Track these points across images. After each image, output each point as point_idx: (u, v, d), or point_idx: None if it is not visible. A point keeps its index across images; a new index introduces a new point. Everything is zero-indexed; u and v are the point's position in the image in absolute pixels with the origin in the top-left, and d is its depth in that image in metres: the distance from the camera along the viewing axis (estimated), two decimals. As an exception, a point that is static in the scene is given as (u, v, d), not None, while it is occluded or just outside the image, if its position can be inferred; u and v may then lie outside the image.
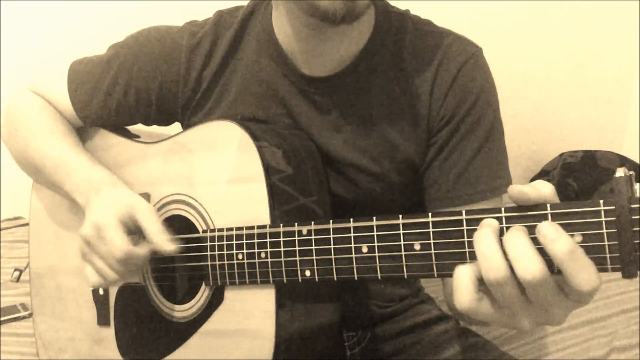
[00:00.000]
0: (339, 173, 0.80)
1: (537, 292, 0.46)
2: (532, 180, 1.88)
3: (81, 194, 0.79)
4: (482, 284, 0.49)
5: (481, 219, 0.49)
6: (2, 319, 1.19)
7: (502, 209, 0.48)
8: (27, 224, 0.99)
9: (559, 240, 0.44)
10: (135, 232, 0.74)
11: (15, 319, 1.19)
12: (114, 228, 0.71)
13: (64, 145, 0.84)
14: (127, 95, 0.85)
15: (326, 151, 0.79)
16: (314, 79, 0.78)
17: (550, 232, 0.45)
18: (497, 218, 0.48)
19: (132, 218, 0.73)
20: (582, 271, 0.44)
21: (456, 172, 0.76)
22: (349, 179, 0.80)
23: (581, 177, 1.75)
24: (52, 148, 0.84)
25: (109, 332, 0.84)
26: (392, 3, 0.83)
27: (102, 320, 0.86)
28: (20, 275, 1.30)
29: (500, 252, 0.46)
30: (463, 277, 0.48)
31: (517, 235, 0.46)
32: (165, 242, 0.70)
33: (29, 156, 0.87)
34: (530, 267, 0.45)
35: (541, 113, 1.87)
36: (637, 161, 1.80)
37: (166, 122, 0.90)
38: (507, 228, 0.48)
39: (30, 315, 1.15)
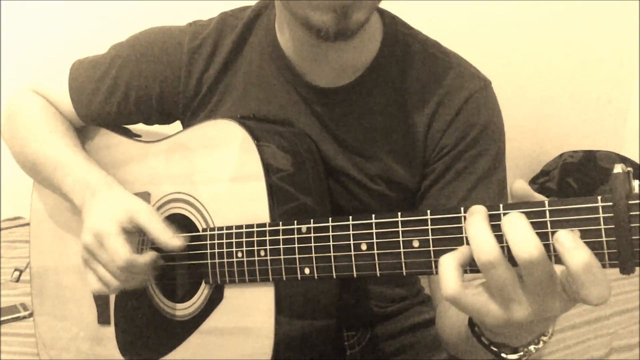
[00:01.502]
0: (336, 182, 0.80)
1: (533, 274, 0.45)
2: (532, 180, 1.88)
3: (77, 195, 0.79)
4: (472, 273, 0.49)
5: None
6: (2, 319, 1.19)
7: (501, 206, 0.48)
8: (27, 224, 1.00)
9: (576, 250, 0.43)
10: (136, 234, 0.74)
11: (15, 319, 1.20)
12: (115, 236, 0.71)
13: (62, 145, 0.84)
14: (128, 95, 0.85)
15: (325, 159, 0.79)
16: (316, 88, 0.78)
17: (568, 240, 0.43)
18: (495, 215, 0.48)
19: (133, 221, 0.72)
20: (595, 286, 0.43)
21: (451, 205, 0.75)
22: (346, 189, 0.80)
23: (581, 177, 1.75)
24: (50, 148, 0.84)
25: (109, 331, 0.85)
26: (395, 4, 0.82)
27: (103, 319, 0.86)
28: (20, 275, 1.30)
29: (491, 234, 0.46)
30: (447, 263, 0.47)
31: (515, 217, 0.45)
32: (171, 239, 0.70)
33: (27, 155, 0.87)
34: (528, 246, 0.44)
35: (541, 113, 1.87)
36: (637, 161, 1.80)
37: (167, 122, 0.90)
38: (506, 225, 0.48)
39: (30, 315, 1.15)
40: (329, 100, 0.78)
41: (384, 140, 0.78)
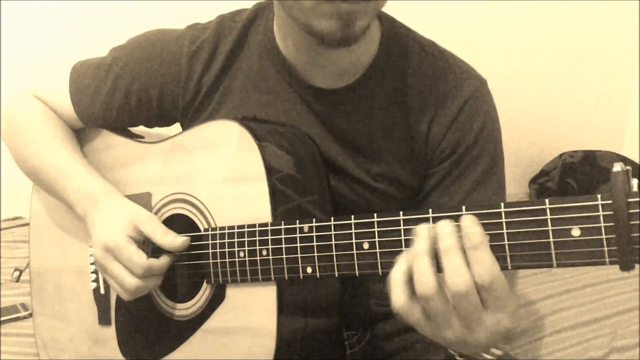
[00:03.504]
0: (339, 181, 0.80)
1: (461, 304, 0.49)
2: (532, 180, 1.88)
3: (79, 204, 0.80)
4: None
5: (481, 216, 0.49)
6: (2, 319, 1.19)
7: (502, 205, 0.48)
8: (27, 224, 1.00)
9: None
10: (140, 241, 0.75)
11: (15, 319, 1.20)
12: (126, 246, 0.72)
13: (63, 152, 0.85)
14: (129, 98, 0.85)
15: (327, 159, 0.79)
16: (317, 89, 0.78)
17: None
18: (497, 214, 0.49)
19: (137, 229, 0.74)
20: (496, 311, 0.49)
21: (453, 204, 0.76)
22: (349, 188, 0.80)
23: (581, 177, 1.76)
24: (51, 155, 0.85)
25: (110, 332, 0.85)
26: (395, 4, 0.82)
27: (103, 320, 0.86)
28: (20, 275, 1.30)
29: (431, 269, 0.50)
30: (396, 279, 0.52)
31: (453, 250, 0.49)
32: (173, 241, 0.72)
33: (28, 160, 0.88)
34: (459, 280, 0.49)
35: (541, 113, 1.87)
36: (637, 161, 1.80)
37: (167, 124, 0.90)
38: (507, 223, 0.48)
39: (30, 315, 1.15)
40: (330, 100, 0.78)
41: (385, 140, 0.78)
